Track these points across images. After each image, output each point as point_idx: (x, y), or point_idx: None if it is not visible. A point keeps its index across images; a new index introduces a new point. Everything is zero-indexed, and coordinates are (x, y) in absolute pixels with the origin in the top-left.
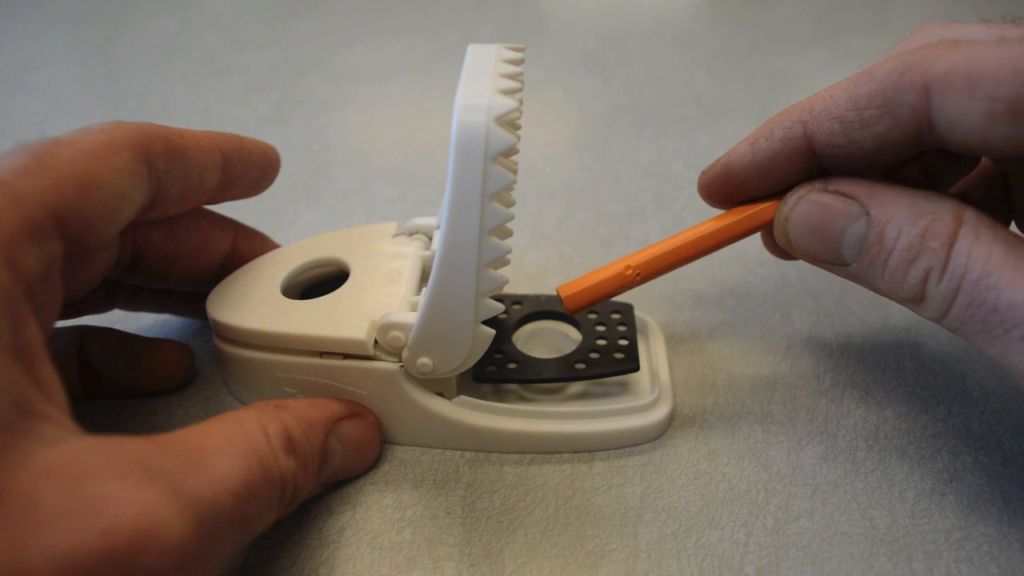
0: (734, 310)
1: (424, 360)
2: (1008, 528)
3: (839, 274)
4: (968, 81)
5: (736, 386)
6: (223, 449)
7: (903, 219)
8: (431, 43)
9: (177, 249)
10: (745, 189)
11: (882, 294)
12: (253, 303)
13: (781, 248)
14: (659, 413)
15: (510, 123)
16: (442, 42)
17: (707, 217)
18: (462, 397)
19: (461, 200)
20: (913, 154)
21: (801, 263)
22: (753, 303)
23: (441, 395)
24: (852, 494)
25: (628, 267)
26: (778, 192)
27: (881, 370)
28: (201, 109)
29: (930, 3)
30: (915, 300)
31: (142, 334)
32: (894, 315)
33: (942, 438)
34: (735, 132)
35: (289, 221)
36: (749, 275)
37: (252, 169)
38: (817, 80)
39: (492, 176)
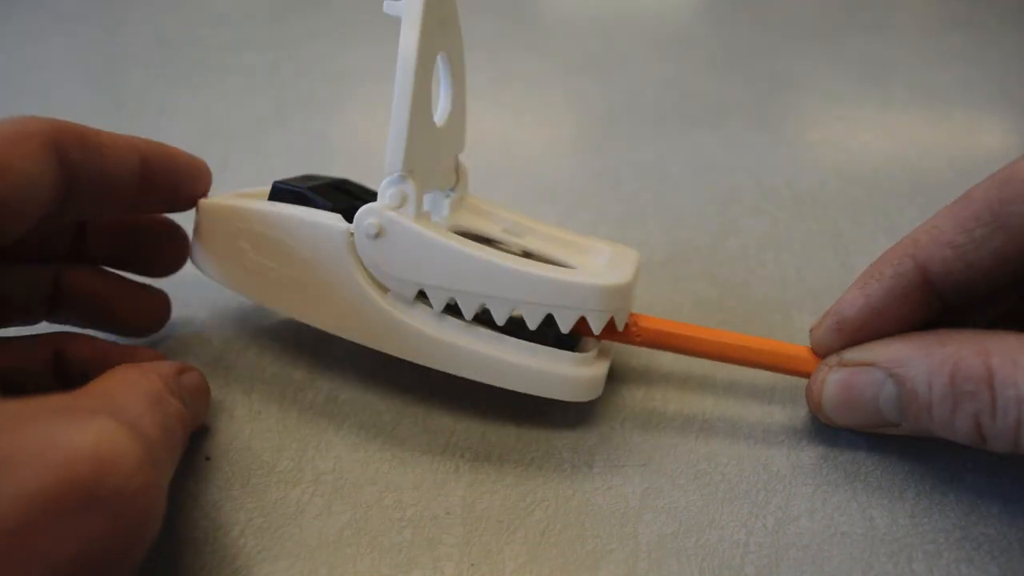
0: (734, 310)
1: (372, 221)
2: (1008, 528)
3: (903, 435)
4: None
5: (736, 386)
6: (130, 392)
7: (929, 369)
8: None
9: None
10: (862, 336)
11: (953, 441)
12: None
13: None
14: (589, 371)
15: None
16: None
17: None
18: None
19: None
20: None
21: (800, 263)
22: (753, 303)
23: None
24: (852, 494)
25: (636, 329)
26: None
27: None
28: (201, 109)
29: (930, 3)
30: (977, 442)
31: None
32: None
33: (942, 438)
34: (735, 132)
35: None
36: (749, 275)
37: (176, 176)
38: (817, 80)
39: None
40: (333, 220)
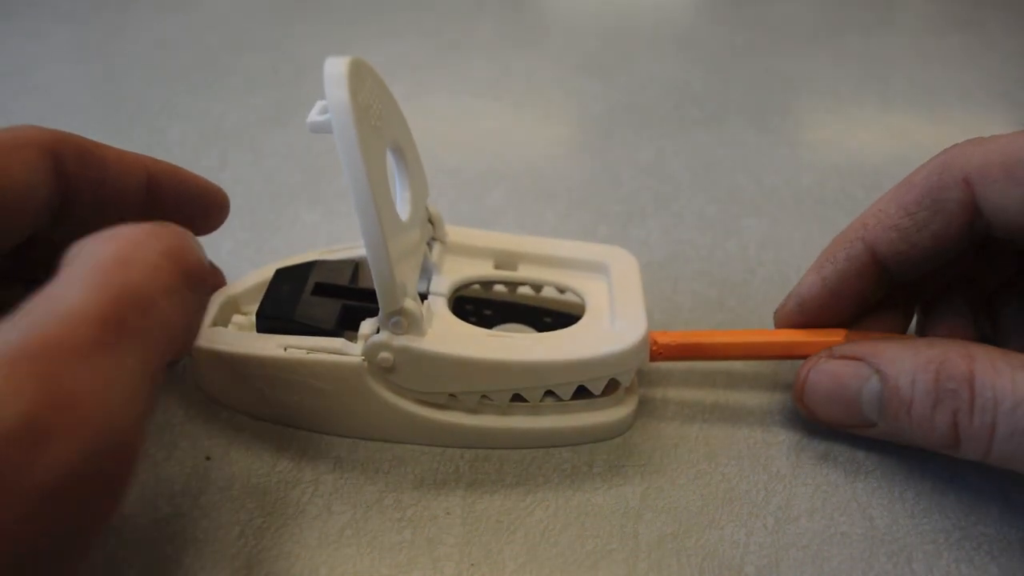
0: (734, 310)
1: (385, 355)
2: (1008, 528)
3: (874, 437)
4: (1004, 170)
5: (736, 386)
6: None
7: (914, 368)
8: (431, 43)
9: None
10: (822, 316)
11: (922, 447)
12: None
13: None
14: (621, 411)
15: None
16: (442, 42)
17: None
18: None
19: None
20: (969, 246)
21: (800, 263)
22: (753, 303)
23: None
24: (852, 494)
25: (656, 347)
26: (851, 318)
27: None
28: (201, 109)
29: (930, 3)
30: (951, 444)
31: None
32: None
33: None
34: (735, 132)
35: (289, 221)
36: (749, 275)
37: (186, 199)
38: (817, 80)
39: None
40: (343, 352)
